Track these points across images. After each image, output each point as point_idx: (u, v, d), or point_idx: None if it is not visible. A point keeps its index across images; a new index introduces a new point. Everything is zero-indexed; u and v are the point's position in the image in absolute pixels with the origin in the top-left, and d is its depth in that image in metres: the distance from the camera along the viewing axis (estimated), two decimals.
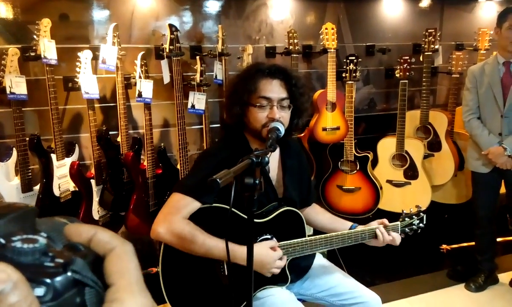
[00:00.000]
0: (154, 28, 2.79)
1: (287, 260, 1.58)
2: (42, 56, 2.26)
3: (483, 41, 3.33)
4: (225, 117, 1.71)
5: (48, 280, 0.29)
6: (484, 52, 3.33)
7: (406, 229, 1.73)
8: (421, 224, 1.76)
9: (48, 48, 2.28)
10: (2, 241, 0.30)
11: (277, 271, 1.51)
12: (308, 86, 3.22)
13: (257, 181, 1.13)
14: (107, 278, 0.33)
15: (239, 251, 1.43)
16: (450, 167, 3.25)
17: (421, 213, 1.77)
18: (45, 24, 2.29)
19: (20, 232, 0.31)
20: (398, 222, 1.72)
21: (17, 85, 2.21)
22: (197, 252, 1.45)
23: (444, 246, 3.31)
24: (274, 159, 1.69)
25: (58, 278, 0.29)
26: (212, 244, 1.45)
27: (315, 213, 1.87)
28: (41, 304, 0.28)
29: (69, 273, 0.30)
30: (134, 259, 0.35)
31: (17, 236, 0.30)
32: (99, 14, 2.66)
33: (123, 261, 0.34)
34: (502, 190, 2.74)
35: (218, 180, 1.02)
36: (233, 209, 1.49)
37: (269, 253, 1.48)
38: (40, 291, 0.29)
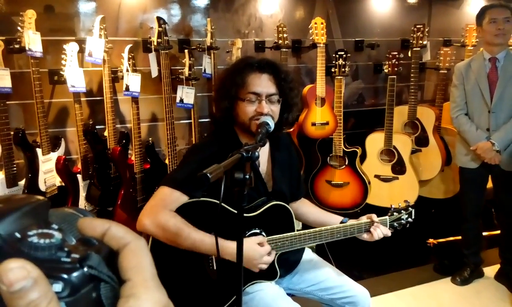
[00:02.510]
0: (141, 20, 2.75)
1: (276, 254, 1.58)
2: (27, 48, 2.21)
3: (471, 37, 3.36)
4: (214, 111, 1.69)
5: (65, 276, 0.29)
6: (472, 48, 3.36)
7: (395, 224, 1.73)
8: (409, 219, 1.76)
9: (33, 40, 2.23)
10: (18, 235, 0.29)
11: (264, 266, 1.51)
12: (298, 81, 3.23)
13: (247, 176, 1.12)
14: (122, 274, 0.33)
15: (225, 246, 1.42)
16: (437, 162, 3.28)
17: (410, 208, 1.77)
18: (30, 15, 2.24)
19: (35, 226, 0.30)
20: (387, 217, 1.72)
21: (1, 78, 2.16)
22: (182, 245, 1.44)
23: (431, 240, 3.35)
24: (263, 153, 1.68)
25: (75, 274, 0.29)
26: (197, 238, 1.43)
27: (305, 208, 1.87)
28: (59, 299, 0.28)
29: (85, 269, 0.30)
30: (148, 254, 0.35)
31: (32, 230, 0.30)
32: (85, 6, 2.61)
33: (138, 257, 0.34)
34: (489, 185, 2.78)
35: (208, 174, 1.01)
36: (222, 203, 1.49)
37: (256, 249, 1.47)
38: (58, 287, 0.29)
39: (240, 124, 1.60)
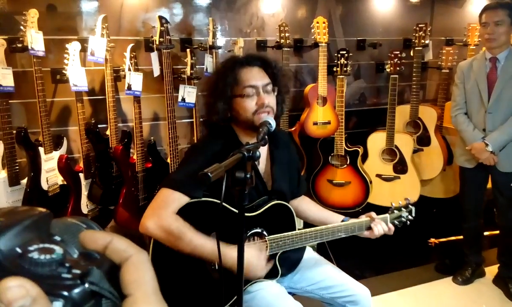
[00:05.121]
0: (143, 20, 2.75)
1: (277, 254, 1.58)
2: (29, 47, 2.22)
3: (473, 36, 3.35)
4: (208, 115, 1.67)
5: (66, 293, 0.28)
6: (474, 47, 3.35)
7: (395, 222, 1.73)
8: (410, 217, 1.76)
9: (35, 40, 2.24)
10: (19, 250, 0.29)
11: (263, 274, 1.51)
12: (299, 80, 3.23)
13: (248, 175, 1.12)
14: (123, 288, 0.32)
15: (227, 253, 1.41)
16: (439, 162, 3.28)
17: (410, 206, 1.77)
18: (32, 15, 2.24)
19: (36, 240, 0.30)
20: (387, 215, 1.72)
21: (4, 77, 2.17)
22: (183, 249, 1.44)
23: (432, 240, 3.35)
24: (262, 152, 1.68)
25: (76, 290, 0.29)
26: (199, 243, 1.43)
27: (306, 205, 1.87)
28: None
29: (86, 285, 0.29)
30: (150, 269, 0.35)
31: (33, 245, 0.29)
32: (87, 5, 2.62)
33: (139, 271, 0.33)
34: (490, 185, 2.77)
35: (209, 174, 1.01)
36: (223, 203, 1.49)
37: (253, 263, 1.48)
38: (58, 304, 0.28)
39: (242, 122, 1.59)
